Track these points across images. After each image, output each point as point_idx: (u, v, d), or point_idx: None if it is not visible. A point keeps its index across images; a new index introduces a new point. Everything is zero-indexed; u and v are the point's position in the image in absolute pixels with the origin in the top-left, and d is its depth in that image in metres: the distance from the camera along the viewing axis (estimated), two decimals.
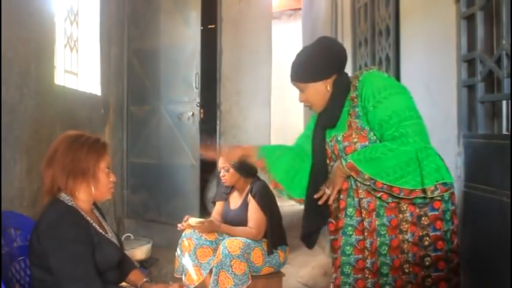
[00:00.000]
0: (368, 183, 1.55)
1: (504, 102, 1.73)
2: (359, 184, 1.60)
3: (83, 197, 1.54)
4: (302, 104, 1.80)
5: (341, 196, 1.67)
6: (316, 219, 1.78)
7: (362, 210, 1.61)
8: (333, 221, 1.74)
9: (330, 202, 1.67)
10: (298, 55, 1.72)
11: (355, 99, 1.62)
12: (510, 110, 1.71)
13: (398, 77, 2.53)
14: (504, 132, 1.75)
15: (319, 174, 1.74)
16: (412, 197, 1.52)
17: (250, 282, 2.38)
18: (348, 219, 1.65)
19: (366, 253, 1.61)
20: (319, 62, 1.66)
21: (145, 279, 1.69)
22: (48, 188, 1.51)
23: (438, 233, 1.55)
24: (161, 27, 4.11)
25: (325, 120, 1.72)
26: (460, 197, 1.87)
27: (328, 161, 1.74)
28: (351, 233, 1.65)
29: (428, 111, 2.13)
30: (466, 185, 1.85)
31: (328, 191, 1.65)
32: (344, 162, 1.58)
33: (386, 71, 2.72)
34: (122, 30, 4.24)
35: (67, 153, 1.50)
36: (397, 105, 1.54)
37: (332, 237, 1.74)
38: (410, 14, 2.41)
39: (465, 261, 1.86)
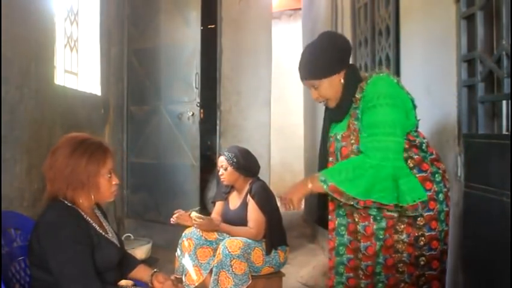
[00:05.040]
0: (352, 203, 1.52)
1: (504, 102, 1.73)
2: None
3: (84, 202, 1.54)
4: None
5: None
6: (323, 200, 1.81)
7: (355, 214, 1.63)
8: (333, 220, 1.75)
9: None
10: (306, 53, 1.70)
11: (358, 101, 1.62)
12: (510, 110, 1.71)
13: (398, 77, 2.53)
14: (504, 132, 1.75)
15: (322, 166, 1.77)
16: (383, 207, 1.53)
17: (250, 282, 2.38)
18: (341, 218, 1.69)
19: (360, 255, 1.63)
20: (331, 56, 1.65)
21: (154, 270, 1.70)
22: (50, 191, 1.51)
23: (433, 233, 1.57)
24: (161, 27, 4.11)
25: (333, 114, 1.73)
26: (460, 197, 1.87)
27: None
28: (343, 233, 1.69)
29: (428, 111, 2.13)
30: (466, 185, 1.85)
31: (288, 206, 1.60)
32: (324, 186, 1.53)
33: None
34: (122, 30, 4.24)
35: (66, 163, 1.47)
36: (387, 117, 1.53)
37: (329, 237, 1.76)
38: (410, 14, 2.41)
39: (465, 261, 1.86)
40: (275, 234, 2.56)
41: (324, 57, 1.65)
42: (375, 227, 1.59)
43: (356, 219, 1.63)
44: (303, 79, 1.70)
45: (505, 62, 1.61)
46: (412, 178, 1.53)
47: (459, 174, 1.89)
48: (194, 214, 2.56)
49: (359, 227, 1.61)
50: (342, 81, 1.66)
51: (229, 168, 2.61)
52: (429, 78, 2.19)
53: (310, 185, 1.57)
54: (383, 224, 1.58)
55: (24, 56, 2.54)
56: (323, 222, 1.84)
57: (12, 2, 2.40)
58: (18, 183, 2.49)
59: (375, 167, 1.49)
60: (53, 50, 2.96)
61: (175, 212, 2.61)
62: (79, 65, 3.65)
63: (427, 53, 2.23)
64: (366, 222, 1.60)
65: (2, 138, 2.31)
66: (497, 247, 1.61)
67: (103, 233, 1.57)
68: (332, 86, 1.66)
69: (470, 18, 1.85)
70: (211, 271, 2.46)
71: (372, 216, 1.58)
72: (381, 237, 1.58)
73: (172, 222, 2.60)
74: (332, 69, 1.65)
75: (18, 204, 2.46)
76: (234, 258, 2.35)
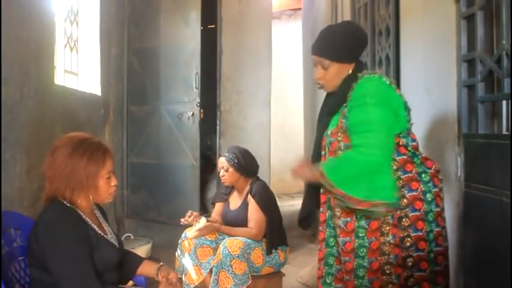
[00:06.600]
0: (332, 189, 1.54)
1: (504, 102, 1.73)
2: None
3: (82, 202, 1.54)
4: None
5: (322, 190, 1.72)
6: (309, 204, 1.84)
7: (337, 208, 1.63)
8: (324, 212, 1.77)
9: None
10: (327, 31, 1.70)
11: (347, 100, 1.64)
12: (510, 110, 1.71)
13: (398, 77, 2.53)
14: (504, 132, 1.75)
15: (315, 158, 1.78)
16: (359, 207, 1.52)
17: (250, 282, 2.38)
18: (330, 211, 1.70)
19: (339, 249, 1.64)
20: (349, 43, 1.66)
21: (161, 263, 1.71)
22: (48, 190, 1.51)
23: (419, 233, 1.55)
24: (161, 27, 4.11)
25: (330, 102, 1.73)
26: (460, 197, 1.87)
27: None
28: (333, 225, 1.70)
29: (428, 111, 2.14)
30: (466, 185, 1.85)
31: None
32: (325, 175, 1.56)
33: (385, 71, 2.72)
34: (122, 30, 4.24)
35: (66, 164, 1.47)
36: (372, 116, 1.53)
37: (320, 228, 1.77)
38: (410, 14, 2.41)
39: (465, 261, 1.87)
40: (275, 234, 2.56)
41: (343, 41, 1.65)
42: (356, 224, 1.59)
43: (338, 214, 1.63)
44: (315, 54, 1.69)
45: (505, 62, 1.61)
46: (386, 177, 1.52)
47: (459, 174, 1.89)
48: (191, 234, 2.52)
49: (340, 222, 1.62)
50: (350, 72, 1.67)
51: (231, 169, 2.61)
52: (429, 78, 2.19)
53: (314, 172, 1.59)
54: (362, 222, 1.58)
55: (24, 56, 2.54)
56: (303, 224, 1.88)
57: (13, 2, 2.40)
58: (18, 183, 2.49)
59: (364, 163, 1.51)
60: (53, 50, 2.96)
61: (189, 213, 2.60)
62: (79, 65, 3.65)
63: (427, 53, 2.23)
64: (349, 218, 1.60)
65: (2, 138, 2.31)
66: (497, 247, 1.61)
67: (102, 234, 1.56)
68: (340, 73, 1.67)
69: (470, 18, 1.85)
70: (211, 271, 2.46)
71: (355, 213, 1.59)
72: (360, 235, 1.58)
73: (182, 223, 2.59)
74: (346, 56, 1.66)
75: (18, 204, 2.46)
76: (233, 258, 2.35)
